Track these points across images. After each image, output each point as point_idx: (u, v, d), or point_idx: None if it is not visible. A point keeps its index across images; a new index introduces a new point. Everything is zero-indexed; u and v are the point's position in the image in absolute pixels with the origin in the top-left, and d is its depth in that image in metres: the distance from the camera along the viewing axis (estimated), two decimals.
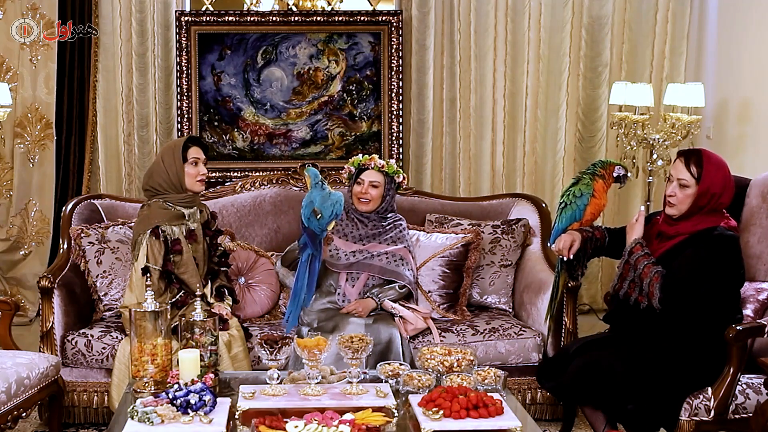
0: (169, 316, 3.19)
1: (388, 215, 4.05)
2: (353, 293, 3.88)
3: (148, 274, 3.44)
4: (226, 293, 3.82)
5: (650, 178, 5.33)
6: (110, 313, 4.06)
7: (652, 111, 5.29)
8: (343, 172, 4.12)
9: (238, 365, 3.57)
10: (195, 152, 3.70)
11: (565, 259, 3.39)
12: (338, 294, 3.89)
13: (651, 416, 3.10)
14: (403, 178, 4.07)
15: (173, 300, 3.55)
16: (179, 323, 3.13)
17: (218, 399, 2.80)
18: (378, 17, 5.71)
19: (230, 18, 5.66)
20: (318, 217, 3.56)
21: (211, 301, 3.70)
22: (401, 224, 4.08)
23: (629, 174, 3.50)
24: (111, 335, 3.82)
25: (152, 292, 3.11)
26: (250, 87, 5.72)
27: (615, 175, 3.39)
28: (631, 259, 3.16)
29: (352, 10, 5.76)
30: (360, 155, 4.05)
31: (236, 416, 2.79)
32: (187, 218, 3.68)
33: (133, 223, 4.21)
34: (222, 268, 3.86)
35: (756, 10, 5.01)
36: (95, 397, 3.85)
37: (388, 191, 4.01)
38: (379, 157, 4.06)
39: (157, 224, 3.58)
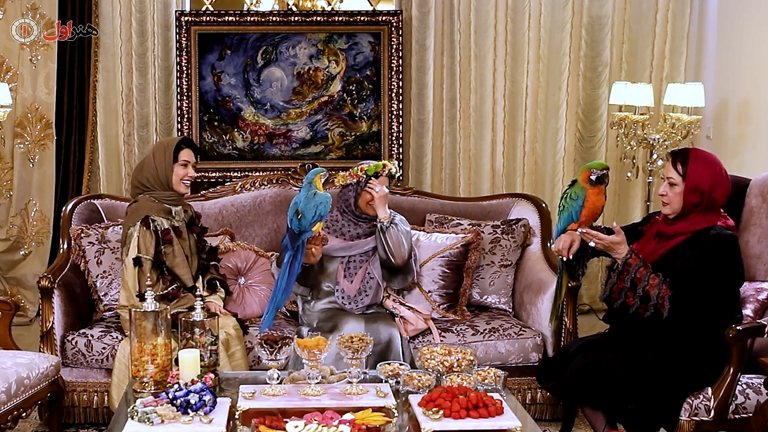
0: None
1: None
2: (352, 289, 3.86)
3: (140, 266, 3.45)
4: (218, 285, 3.85)
5: (650, 178, 5.33)
6: (110, 313, 4.06)
7: (652, 111, 5.29)
8: (349, 176, 3.88)
9: (235, 364, 3.57)
10: (186, 155, 3.73)
11: (565, 259, 3.39)
12: (337, 291, 3.87)
13: (651, 416, 3.10)
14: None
15: (164, 292, 3.55)
16: (179, 323, 3.13)
17: (218, 399, 2.80)
18: (378, 17, 5.71)
19: (230, 18, 5.66)
20: (299, 217, 3.52)
21: (204, 294, 3.70)
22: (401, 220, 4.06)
23: (607, 176, 3.39)
24: (111, 335, 3.82)
25: (152, 292, 3.10)
26: (250, 87, 5.72)
27: (591, 179, 3.34)
28: (631, 272, 3.14)
29: (352, 10, 5.77)
30: (372, 162, 3.90)
31: (236, 416, 2.79)
32: (174, 214, 3.72)
33: None
34: (212, 263, 3.89)
35: (756, 10, 5.01)
36: (95, 397, 3.85)
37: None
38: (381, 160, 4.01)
39: (146, 214, 3.61)
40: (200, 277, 3.82)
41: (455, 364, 3.09)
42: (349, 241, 3.92)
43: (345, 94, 5.75)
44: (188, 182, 3.74)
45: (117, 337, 3.80)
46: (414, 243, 4.17)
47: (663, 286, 3.07)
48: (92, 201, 4.33)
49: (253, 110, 5.73)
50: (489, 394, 2.83)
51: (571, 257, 3.36)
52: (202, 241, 3.89)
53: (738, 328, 3.02)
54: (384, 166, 3.88)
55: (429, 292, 4.13)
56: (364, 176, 3.87)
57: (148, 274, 3.49)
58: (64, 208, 4.22)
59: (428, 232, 4.27)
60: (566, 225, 3.39)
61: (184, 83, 5.64)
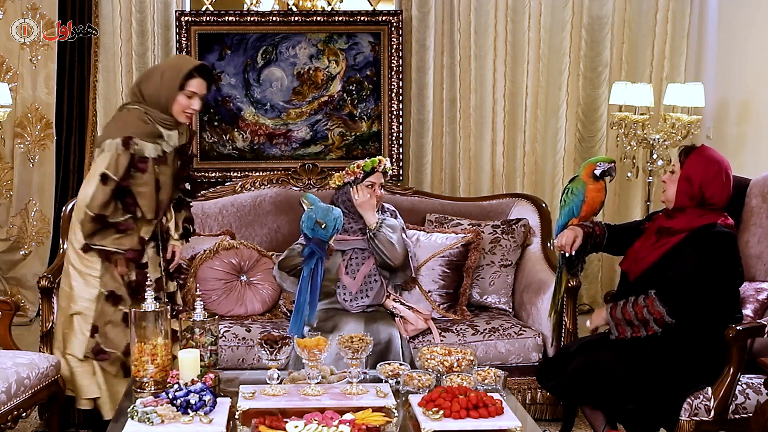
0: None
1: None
2: (354, 286, 3.85)
3: (104, 182, 3.29)
4: (191, 230, 3.70)
5: (650, 178, 5.33)
6: None
7: (652, 111, 5.29)
8: (346, 175, 3.92)
9: None
10: (196, 85, 3.43)
11: (567, 255, 3.40)
12: (339, 288, 3.86)
13: (651, 416, 3.10)
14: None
15: (116, 221, 3.36)
16: (179, 322, 3.13)
17: (218, 399, 2.80)
18: (378, 17, 5.71)
19: (230, 18, 5.66)
20: (323, 227, 3.53)
21: (175, 236, 3.61)
22: (394, 213, 4.07)
23: (614, 170, 3.45)
24: None
25: (152, 292, 3.08)
26: (250, 87, 5.72)
27: (595, 173, 3.37)
28: (620, 322, 3.18)
29: (352, 10, 5.77)
30: (368, 159, 3.93)
31: (236, 416, 2.79)
32: (165, 139, 3.43)
33: None
34: (189, 200, 3.68)
35: (756, 10, 5.01)
36: None
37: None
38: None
39: (131, 135, 3.34)
40: (173, 211, 3.60)
41: (455, 364, 3.09)
42: (353, 236, 3.90)
43: (345, 94, 5.75)
44: (190, 114, 3.45)
45: None
46: (414, 243, 4.17)
47: (646, 300, 3.09)
48: None
49: (253, 110, 5.73)
50: (489, 394, 2.83)
51: (572, 253, 3.37)
52: (186, 170, 3.59)
53: (738, 328, 3.02)
54: (380, 161, 3.92)
55: (429, 291, 4.13)
56: (362, 173, 3.90)
57: (108, 195, 3.30)
58: (64, 208, 4.21)
59: (428, 232, 4.27)
60: (567, 220, 3.42)
61: None
